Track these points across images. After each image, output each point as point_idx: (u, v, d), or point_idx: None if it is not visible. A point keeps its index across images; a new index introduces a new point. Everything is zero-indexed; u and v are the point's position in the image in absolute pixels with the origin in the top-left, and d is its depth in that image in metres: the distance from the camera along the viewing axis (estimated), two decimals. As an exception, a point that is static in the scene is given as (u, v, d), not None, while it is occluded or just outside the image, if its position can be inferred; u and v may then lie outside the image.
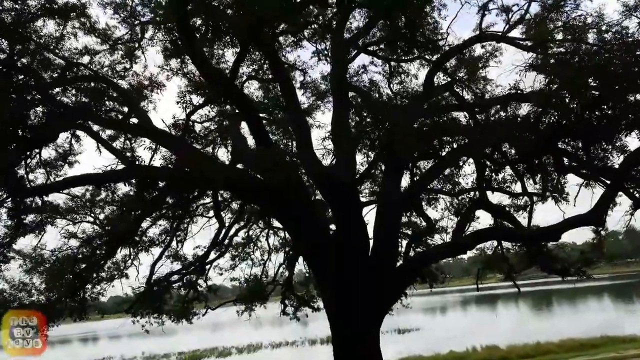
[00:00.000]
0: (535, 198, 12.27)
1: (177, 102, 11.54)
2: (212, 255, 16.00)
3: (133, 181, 10.26)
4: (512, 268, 13.84)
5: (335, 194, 8.94)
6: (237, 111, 10.19)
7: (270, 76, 11.18)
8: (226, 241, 14.29)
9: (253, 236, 18.28)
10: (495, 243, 13.75)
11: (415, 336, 33.72)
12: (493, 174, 12.07)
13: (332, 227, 10.12)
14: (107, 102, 10.51)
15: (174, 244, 18.09)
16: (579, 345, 20.08)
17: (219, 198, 12.12)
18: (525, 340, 22.46)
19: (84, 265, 12.43)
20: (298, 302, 16.53)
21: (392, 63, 12.36)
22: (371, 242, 9.70)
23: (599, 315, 37.24)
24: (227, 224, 13.75)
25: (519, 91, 10.31)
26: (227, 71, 9.70)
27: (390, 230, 9.28)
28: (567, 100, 9.44)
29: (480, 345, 21.87)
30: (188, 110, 11.51)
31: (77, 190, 12.49)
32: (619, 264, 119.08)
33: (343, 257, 8.73)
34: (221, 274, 17.49)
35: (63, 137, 11.11)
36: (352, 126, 10.58)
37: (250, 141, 10.84)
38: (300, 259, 15.43)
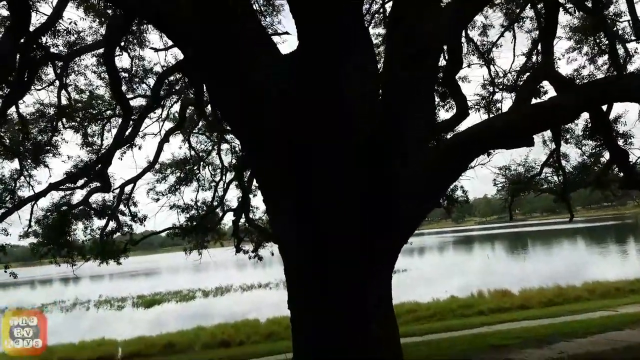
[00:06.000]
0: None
1: None
2: (130, 168, 11.42)
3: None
4: (566, 187, 9.63)
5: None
6: None
7: None
8: (134, 137, 9.53)
9: (200, 150, 13.66)
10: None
11: (404, 278, 29.98)
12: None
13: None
14: None
15: (79, 151, 13.53)
16: (613, 289, 16.55)
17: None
18: (534, 285, 18.89)
19: None
20: (260, 236, 12.06)
21: None
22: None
23: (586, 258, 34.89)
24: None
25: None
26: None
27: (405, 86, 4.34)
28: None
29: (488, 290, 18.09)
30: None
31: None
32: (595, 208, 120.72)
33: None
34: (157, 200, 13.08)
35: None
36: None
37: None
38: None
